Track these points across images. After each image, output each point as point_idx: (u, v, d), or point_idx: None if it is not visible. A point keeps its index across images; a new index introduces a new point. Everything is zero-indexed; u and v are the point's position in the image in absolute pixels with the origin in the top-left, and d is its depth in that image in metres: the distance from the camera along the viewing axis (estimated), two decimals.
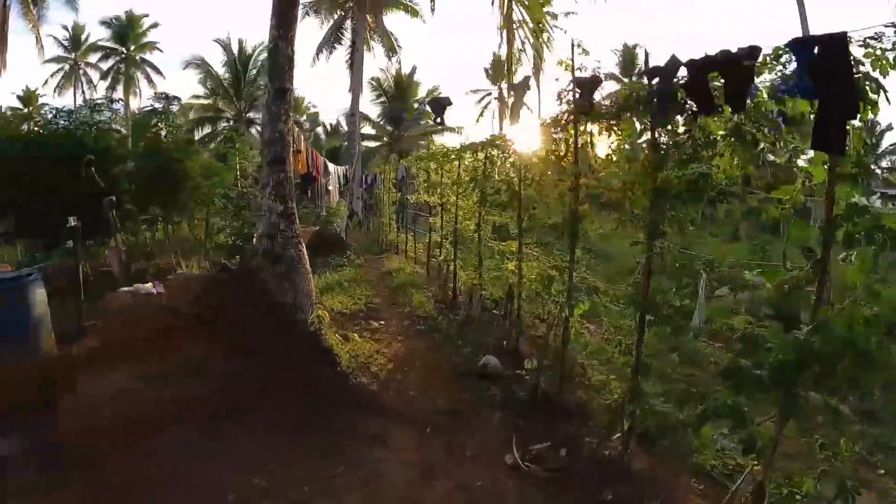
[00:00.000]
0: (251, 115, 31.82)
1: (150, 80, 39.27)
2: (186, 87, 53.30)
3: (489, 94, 41.70)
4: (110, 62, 39.04)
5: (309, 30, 32.21)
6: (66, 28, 38.88)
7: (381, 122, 36.81)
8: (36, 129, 12.03)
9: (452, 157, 8.62)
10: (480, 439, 4.42)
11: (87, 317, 6.56)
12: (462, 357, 6.12)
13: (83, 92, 38.96)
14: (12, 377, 5.28)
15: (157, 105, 13.08)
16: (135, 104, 34.69)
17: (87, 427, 4.27)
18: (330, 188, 16.95)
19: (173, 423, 4.27)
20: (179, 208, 12.03)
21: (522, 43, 13.98)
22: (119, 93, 36.57)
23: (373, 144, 36.02)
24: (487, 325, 6.85)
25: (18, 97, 37.54)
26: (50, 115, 12.03)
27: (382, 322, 7.69)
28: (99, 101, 13.18)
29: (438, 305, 8.32)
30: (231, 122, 29.92)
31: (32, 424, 4.86)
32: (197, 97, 31.97)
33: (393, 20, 30.63)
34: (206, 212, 12.25)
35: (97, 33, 39.48)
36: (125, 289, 5.73)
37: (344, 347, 5.99)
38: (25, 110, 36.05)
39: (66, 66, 39.43)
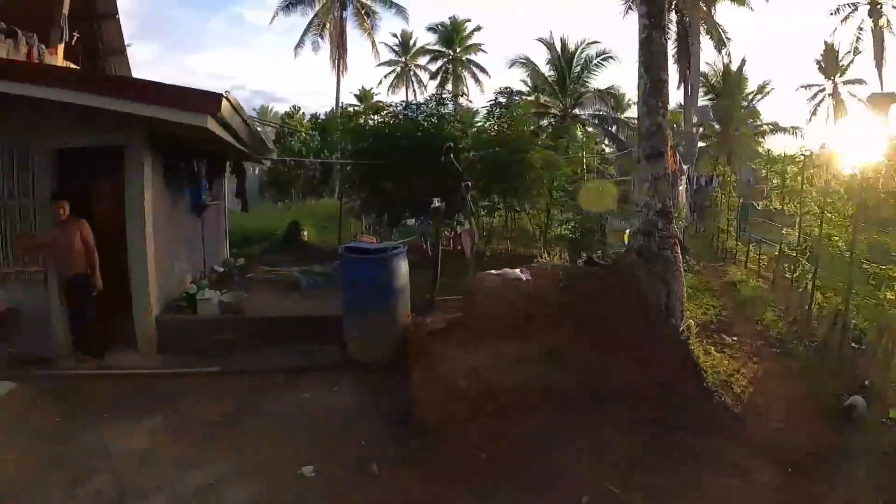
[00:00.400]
0: (576, 111, 33.19)
1: (476, 80, 44.26)
2: (509, 86, 57.20)
3: (822, 89, 38.36)
4: (438, 64, 45.12)
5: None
6: (395, 35, 46.04)
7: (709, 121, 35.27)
8: (387, 120, 14.32)
9: (818, 161, 8.29)
10: (844, 494, 4.13)
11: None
12: (823, 391, 5.69)
13: (414, 91, 45.51)
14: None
15: (501, 99, 14.46)
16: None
17: (442, 400, 4.86)
18: (681, 188, 16.77)
19: (529, 409, 4.65)
20: (520, 198, 13.10)
21: None
22: (448, 91, 41.58)
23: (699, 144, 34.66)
24: (849, 358, 6.30)
25: (355, 95, 44.76)
26: (399, 108, 14.26)
27: (734, 338, 7.42)
28: (443, 96, 15.05)
29: (791, 327, 7.83)
30: (557, 119, 31.46)
31: (390, 390, 5.77)
32: (520, 93, 34.33)
33: (719, 10, 29.43)
34: (546, 203, 13.10)
35: (423, 38, 46.17)
36: (494, 272, 6.27)
37: (706, 361, 5.93)
38: (361, 106, 43.68)
39: (398, 69, 46.47)
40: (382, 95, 43.59)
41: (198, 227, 9.00)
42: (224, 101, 6.31)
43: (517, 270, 6.24)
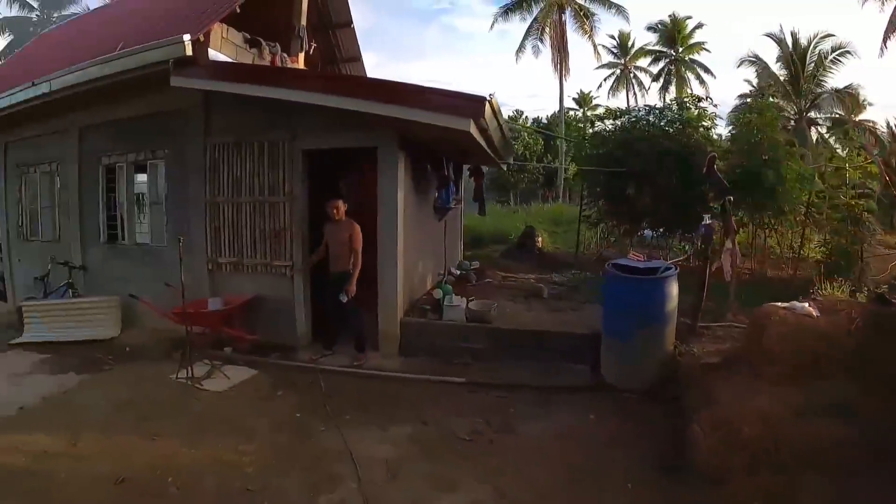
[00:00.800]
0: (812, 114, 30.22)
1: (701, 81, 41.30)
2: (734, 87, 54.38)
3: None
4: (660, 65, 42.77)
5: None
6: (612, 37, 44.16)
7: None
8: (626, 125, 13.75)
9: None
10: None
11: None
12: None
13: (634, 94, 43.71)
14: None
15: (747, 101, 13.14)
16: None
17: (721, 448, 4.20)
18: None
19: (814, 467, 3.92)
20: (771, 214, 11.81)
21: None
22: (671, 94, 39.54)
23: None
24: None
25: (574, 99, 44.35)
26: (641, 112, 13.72)
27: None
28: (685, 99, 14.16)
29: None
30: (792, 123, 28.49)
31: (652, 424, 5.20)
32: (742, 96, 31.92)
33: None
34: (800, 220, 11.84)
35: (642, 39, 43.98)
36: (781, 304, 5.69)
37: None
38: (581, 111, 43.03)
39: (617, 71, 44.96)
40: (602, 99, 42.61)
41: (440, 229, 8.93)
42: (486, 105, 6.08)
43: (806, 304, 5.64)
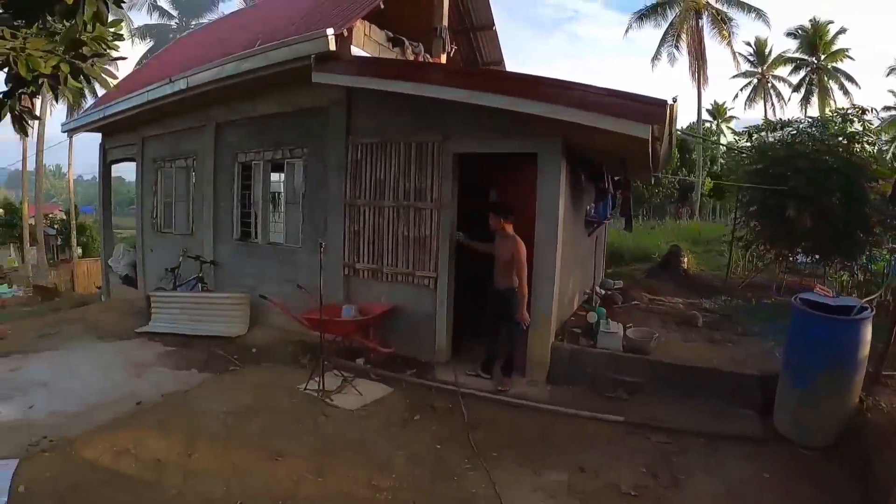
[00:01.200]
0: None
1: (844, 91, 38.21)
2: (878, 98, 50.17)
3: None
4: (801, 74, 39.79)
5: None
6: (748, 44, 41.80)
7: None
8: (785, 138, 12.71)
9: None
10: None
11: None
12: None
13: (773, 105, 41.09)
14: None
15: None
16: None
17: None
18: None
19: None
20: None
21: None
22: (813, 105, 36.90)
23: None
24: None
25: (708, 111, 42.12)
26: (803, 125, 12.67)
27: None
28: (847, 111, 12.99)
29: None
30: None
31: (836, 489, 4.45)
32: (887, 108, 30.51)
33: None
34: None
35: (780, 45, 41.10)
36: None
37: None
38: (715, 121, 40.94)
39: (754, 80, 42.38)
40: (737, 110, 40.49)
41: (590, 244, 8.31)
42: (667, 111, 5.41)
43: None
